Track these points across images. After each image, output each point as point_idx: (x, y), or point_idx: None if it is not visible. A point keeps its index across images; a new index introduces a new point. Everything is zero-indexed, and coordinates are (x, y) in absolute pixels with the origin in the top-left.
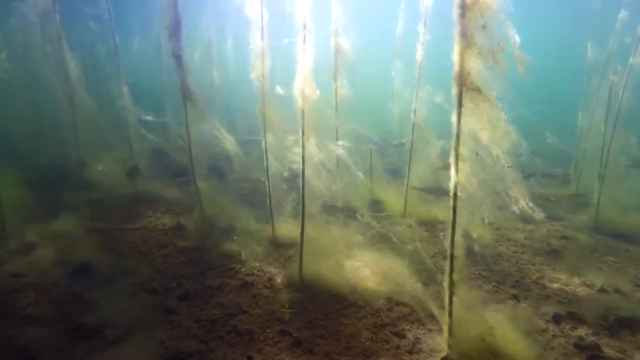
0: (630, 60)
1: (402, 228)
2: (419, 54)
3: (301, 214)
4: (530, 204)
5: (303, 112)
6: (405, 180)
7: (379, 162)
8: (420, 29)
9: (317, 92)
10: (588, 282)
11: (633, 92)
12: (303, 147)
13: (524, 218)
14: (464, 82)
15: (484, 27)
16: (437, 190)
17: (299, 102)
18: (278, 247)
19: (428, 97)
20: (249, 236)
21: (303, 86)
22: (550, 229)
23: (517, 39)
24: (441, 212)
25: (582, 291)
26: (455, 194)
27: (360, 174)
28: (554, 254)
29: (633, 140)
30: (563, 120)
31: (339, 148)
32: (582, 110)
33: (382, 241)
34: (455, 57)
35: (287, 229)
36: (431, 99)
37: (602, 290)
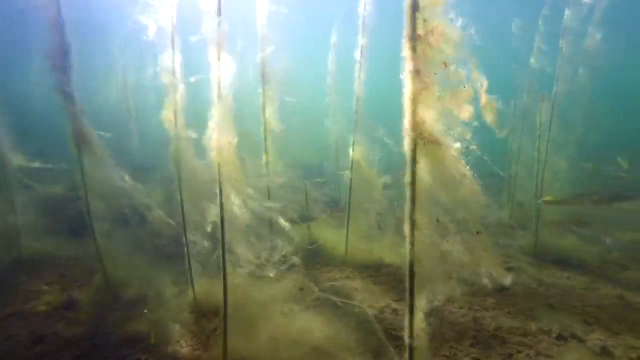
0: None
1: (344, 276)
2: (357, 88)
3: (223, 290)
4: (502, 271)
5: (219, 167)
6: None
7: (318, 193)
8: (357, 55)
9: (235, 140)
10: (545, 328)
11: (561, 118)
12: (222, 209)
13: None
14: (419, 134)
15: (444, 64)
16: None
17: (214, 156)
18: (200, 318)
19: (368, 133)
20: (164, 306)
21: (218, 137)
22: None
23: (484, 80)
24: (385, 252)
25: (541, 342)
26: (412, 274)
27: (287, 225)
28: (504, 294)
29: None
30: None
31: (270, 203)
32: (511, 134)
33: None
34: (407, 103)
35: (212, 291)
36: (371, 135)
37: (560, 337)
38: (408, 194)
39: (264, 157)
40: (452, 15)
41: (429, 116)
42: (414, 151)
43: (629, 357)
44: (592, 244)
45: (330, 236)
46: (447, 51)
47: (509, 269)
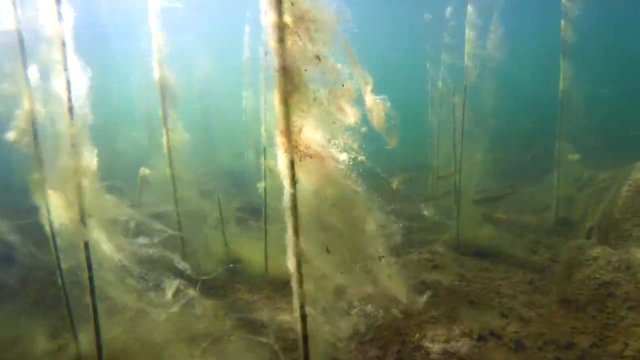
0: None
1: (263, 296)
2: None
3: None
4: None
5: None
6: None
7: (239, 200)
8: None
9: (95, 161)
10: (466, 330)
11: (474, 112)
12: (87, 249)
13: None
14: (294, 145)
15: (317, 58)
16: None
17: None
18: None
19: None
20: None
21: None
22: (420, 259)
23: (369, 77)
24: None
25: (463, 346)
26: (302, 317)
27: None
28: (428, 298)
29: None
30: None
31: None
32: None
33: (240, 326)
34: (277, 107)
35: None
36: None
37: (480, 338)
38: (289, 222)
39: (168, 172)
40: None
41: (304, 123)
42: (291, 168)
43: (537, 346)
44: (506, 231)
45: (250, 251)
46: (321, 42)
47: (434, 267)
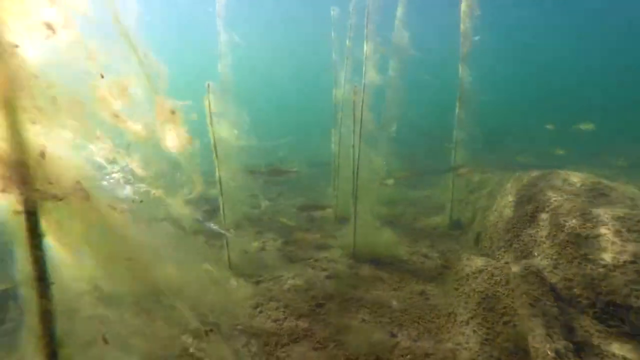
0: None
1: None
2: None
3: None
4: None
5: None
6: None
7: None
8: None
9: None
10: (352, 357)
11: (373, 111)
12: None
13: (290, 258)
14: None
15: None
16: None
17: None
18: None
19: None
20: None
21: None
22: (315, 268)
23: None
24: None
25: None
26: None
27: None
28: (318, 311)
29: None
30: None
31: None
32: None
33: None
34: None
35: None
36: None
37: None
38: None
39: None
40: None
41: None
42: (32, 219)
43: None
44: (403, 236)
45: None
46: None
47: (328, 277)
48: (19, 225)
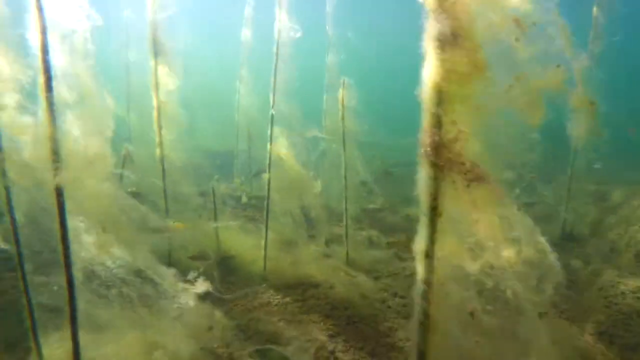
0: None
1: (264, 302)
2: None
3: None
4: None
5: None
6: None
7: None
8: None
9: None
10: None
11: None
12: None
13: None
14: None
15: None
16: None
17: None
18: None
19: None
20: None
21: None
22: None
23: None
24: (313, 267)
25: None
26: None
27: None
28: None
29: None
30: None
31: None
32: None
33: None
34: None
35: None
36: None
37: None
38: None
39: (157, 152)
40: None
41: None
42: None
43: None
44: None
45: (245, 245)
46: None
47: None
48: None
